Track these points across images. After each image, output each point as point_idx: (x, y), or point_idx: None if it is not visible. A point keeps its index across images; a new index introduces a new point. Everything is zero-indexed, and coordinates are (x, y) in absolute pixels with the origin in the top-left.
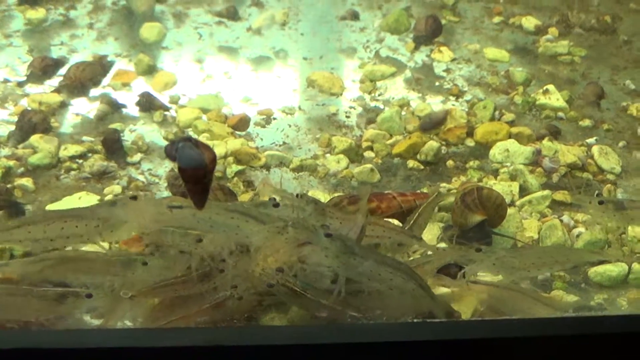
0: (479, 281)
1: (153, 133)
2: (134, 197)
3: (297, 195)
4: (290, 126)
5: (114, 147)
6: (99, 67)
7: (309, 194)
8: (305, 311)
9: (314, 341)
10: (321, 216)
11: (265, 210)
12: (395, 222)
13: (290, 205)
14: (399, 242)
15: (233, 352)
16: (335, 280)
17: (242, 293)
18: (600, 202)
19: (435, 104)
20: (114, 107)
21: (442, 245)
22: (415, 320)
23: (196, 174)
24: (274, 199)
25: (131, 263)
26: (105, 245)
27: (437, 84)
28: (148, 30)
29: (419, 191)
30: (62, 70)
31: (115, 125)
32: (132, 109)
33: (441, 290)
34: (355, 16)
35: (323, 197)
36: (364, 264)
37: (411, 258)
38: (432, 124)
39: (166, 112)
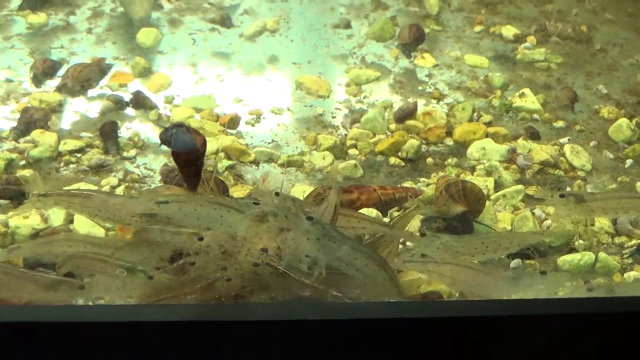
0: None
1: (148, 131)
2: None
3: (275, 194)
4: (278, 125)
5: (110, 135)
6: (97, 69)
7: (295, 186)
8: (288, 292)
9: (297, 317)
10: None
11: (247, 201)
12: (374, 212)
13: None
14: (374, 232)
15: (219, 327)
16: (312, 265)
17: (231, 275)
18: (561, 196)
19: (417, 106)
20: (118, 105)
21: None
22: (392, 300)
23: (189, 157)
24: (255, 199)
25: (135, 272)
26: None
27: (419, 88)
28: (145, 35)
29: (399, 185)
30: (62, 72)
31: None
32: (131, 109)
33: (414, 275)
34: (347, 25)
35: (309, 190)
36: (342, 248)
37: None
38: (405, 115)
39: (160, 111)
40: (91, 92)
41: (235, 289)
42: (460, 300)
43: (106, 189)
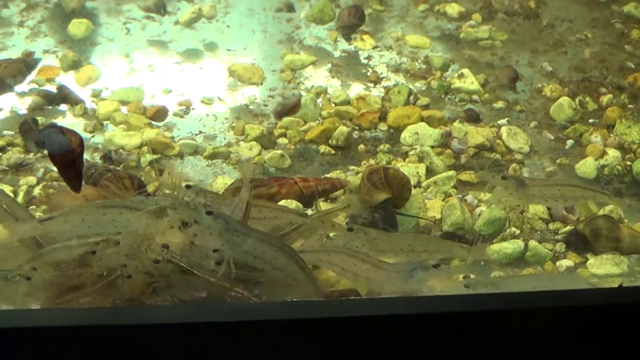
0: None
1: (73, 126)
2: None
3: (186, 187)
4: (208, 116)
5: (30, 132)
6: (22, 64)
7: (218, 179)
8: (190, 290)
9: (195, 319)
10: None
11: (142, 198)
12: (294, 204)
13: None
14: (288, 221)
15: (116, 331)
16: (219, 261)
17: (132, 272)
18: (503, 177)
19: (355, 90)
20: (47, 101)
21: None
22: (294, 300)
23: (65, 158)
24: (148, 194)
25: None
26: None
27: (362, 71)
28: (76, 27)
29: (323, 176)
30: None
31: (39, 118)
32: (63, 104)
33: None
34: (290, 8)
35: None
36: (248, 241)
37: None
38: (286, 110)
39: (87, 106)
40: (19, 88)
41: (140, 287)
42: (369, 298)
43: (24, 189)
